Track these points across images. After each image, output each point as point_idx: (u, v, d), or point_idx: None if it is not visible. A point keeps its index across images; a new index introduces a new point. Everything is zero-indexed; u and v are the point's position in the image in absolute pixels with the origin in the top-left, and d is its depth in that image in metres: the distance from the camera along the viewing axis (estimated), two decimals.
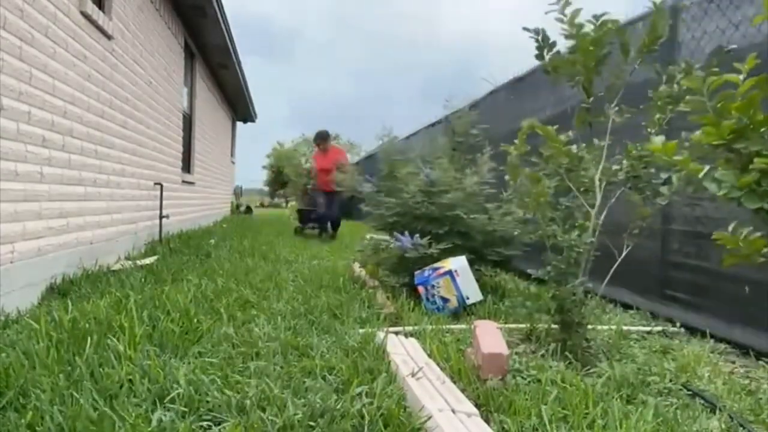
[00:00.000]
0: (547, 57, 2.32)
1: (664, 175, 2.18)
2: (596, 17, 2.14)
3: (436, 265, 2.79)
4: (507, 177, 2.65)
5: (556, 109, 4.11)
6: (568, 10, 2.14)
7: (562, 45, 2.31)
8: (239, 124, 14.86)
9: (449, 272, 2.60)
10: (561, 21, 2.17)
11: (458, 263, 2.67)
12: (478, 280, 3.56)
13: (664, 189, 2.17)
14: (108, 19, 3.96)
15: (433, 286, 2.63)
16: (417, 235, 3.27)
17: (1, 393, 1.49)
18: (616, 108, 2.32)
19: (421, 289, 2.68)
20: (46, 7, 2.92)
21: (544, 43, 2.30)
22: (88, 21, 3.57)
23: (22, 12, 2.64)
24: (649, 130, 2.32)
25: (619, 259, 2.29)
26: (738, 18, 2.60)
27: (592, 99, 2.34)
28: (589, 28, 2.16)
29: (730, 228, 1.29)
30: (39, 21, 2.83)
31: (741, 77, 1.16)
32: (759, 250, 1.23)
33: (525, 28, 2.30)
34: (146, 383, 1.57)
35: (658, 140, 1.36)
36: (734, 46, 2.25)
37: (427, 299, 2.66)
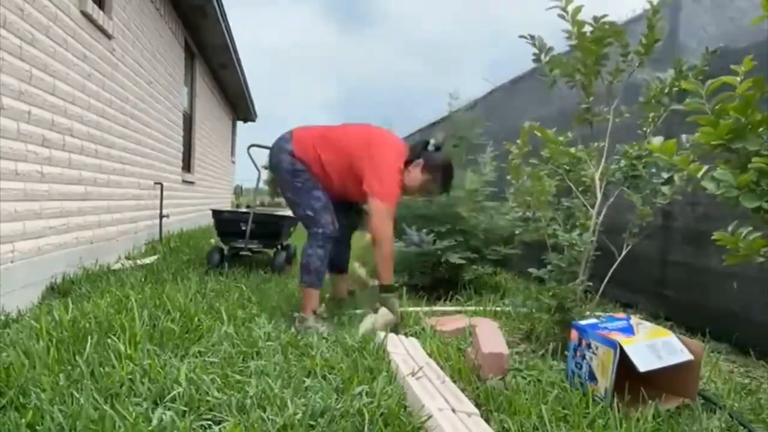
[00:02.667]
0: (544, 60, 2.34)
1: (665, 175, 2.18)
2: (595, 18, 2.15)
3: (614, 319, 1.91)
4: (509, 177, 2.65)
5: (557, 107, 4.11)
6: (570, 7, 2.15)
7: (562, 46, 2.32)
8: (239, 123, 14.87)
9: (615, 346, 1.67)
10: (563, 18, 2.17)
11: (639, 350, 1.68)
12: (477, 279, 3.57)
13: (665, 189, 2.16)
14: (108, 18, 3.97)
15: (589, 346, 1.78)
16: (424, 230, 3.27)
17: (2, 392, 1.49)
18: (611, 108, 2.33)
19: (574, 335, 1.86)
20: (47, 7, 2.92)
21: (540, 48, 2.33)
22: (89, 20, 3.57)
23: (23, 11, 2.64)
24: (644, 129, 2.32)
25: (619, 258, 2.29)
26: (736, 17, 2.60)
27: (591, 99, 2.34)
28: (589, 28, 2.17)
29: (730, 228, 1.29)
30: (39, 20, 2.83)
31: (738, 79, 1.16)
32: (758, 250, 1.23)
33: (521, 36, 2.32)
34: (146, 382, 1.58)
35: (657, 140, 1.36)
36: (721, 45, 2.27)
37: (574, 357, 1.85)
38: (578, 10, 2.14)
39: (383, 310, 2.45)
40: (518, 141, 2.51)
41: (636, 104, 2.36)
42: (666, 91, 2.23)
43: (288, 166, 2.61)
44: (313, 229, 2.58)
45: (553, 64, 2.30)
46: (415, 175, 2.63)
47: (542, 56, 2.33)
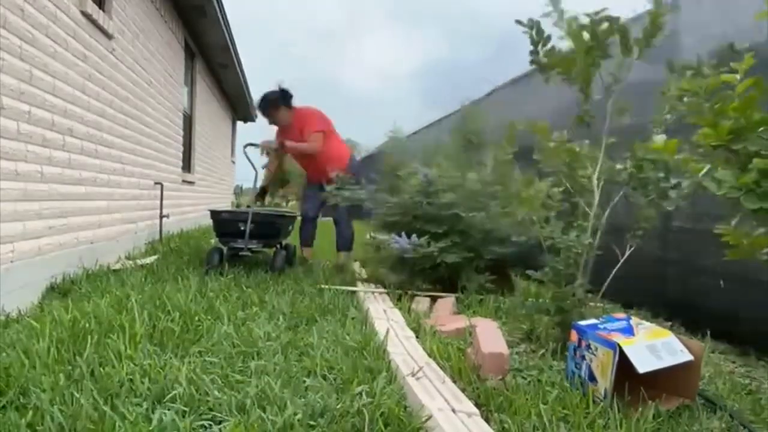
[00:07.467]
0: (541, 53, 2.26)
1: (674, 180, 2.14)
2: (596, 13, 2.11)
3: (613, 319, 1.90)
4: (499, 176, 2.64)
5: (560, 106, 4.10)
6: (566, 17, 2.11)
7: (560, 45, 2.29)
8: (239, 123, 14.85)
9: (614, 347, 1.66)
10: (560, 27, 2.14)
11: (638, 351, 1.68)
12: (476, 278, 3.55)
13: (673, 193, 2.13)
14: (108, 18, 3.96)
15: (588, 347, 1.77)
16: (414, 235, 3.27)
17: (2, 392, 1.49)
18: (609, 106, 2.31)
19: (574, 336, 1.86)
20: (46, 7, 2.92)
21: (538, 37, 2.22)
22: (89, 20, 3.57)
23: (23, 11, 2.64)
24: (654, 129, 2.30)
25: (621, 260, 2.28)
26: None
27: (589, 100, 2.33)
28: (585, 21, 2.12)
29: (733, 223, 1.29)
30: (39, 20, 2.83)
31: (738, 77, 1.16)
32: (761, 248, 1.23)
33: (518, 21, 2.21)
34: (146, 383, 1.58)
35: (660, 139, 1.36)
36: (747, 45, 2.24)
37: (574, 357, 1.84)
38: (573, 20, 2.09)
39: None
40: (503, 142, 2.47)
41: (634, 105, 2.34)
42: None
43: None
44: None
45: (552, 62, 2.25)
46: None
47: (539, 48, 2.23)
